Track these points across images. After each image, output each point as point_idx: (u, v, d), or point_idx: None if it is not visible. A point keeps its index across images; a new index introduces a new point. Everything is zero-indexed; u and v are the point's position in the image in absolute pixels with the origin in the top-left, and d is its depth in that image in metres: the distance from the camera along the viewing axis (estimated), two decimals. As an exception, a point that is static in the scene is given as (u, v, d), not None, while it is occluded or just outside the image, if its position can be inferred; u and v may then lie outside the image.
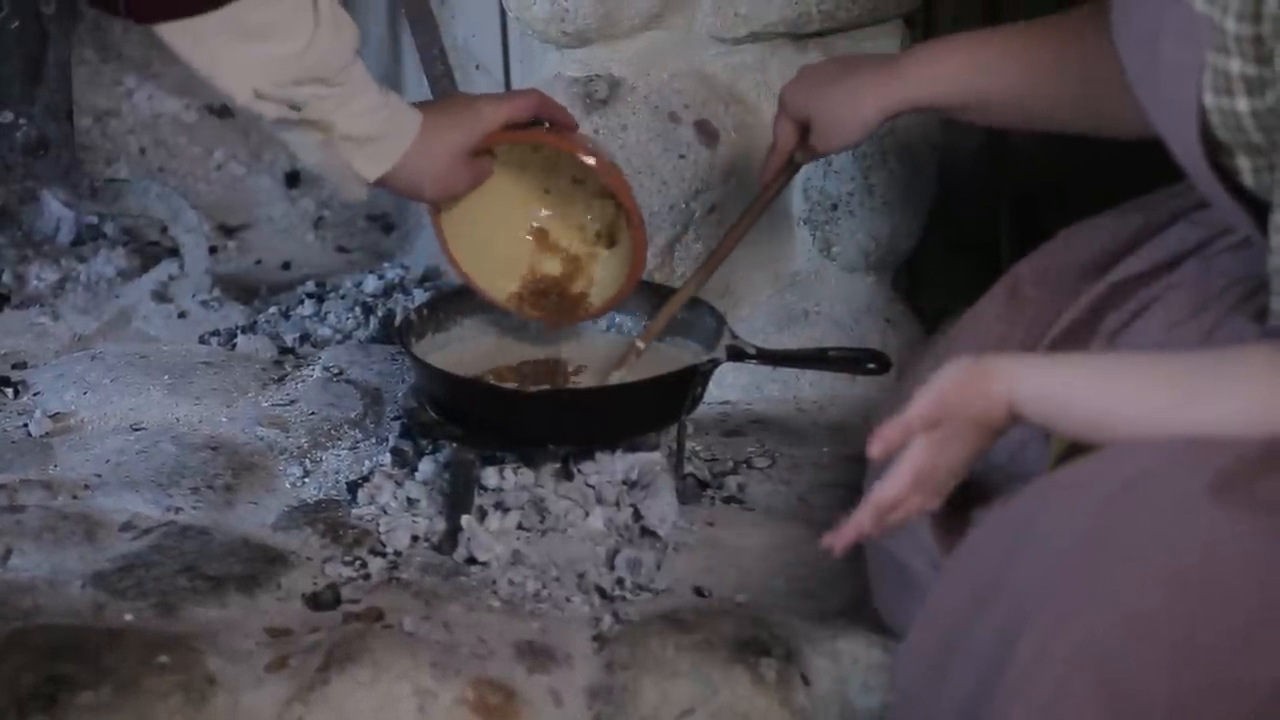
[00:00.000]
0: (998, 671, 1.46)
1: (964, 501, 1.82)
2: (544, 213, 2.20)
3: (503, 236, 2.18)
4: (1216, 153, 1.62)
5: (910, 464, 1.61)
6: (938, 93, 2.03)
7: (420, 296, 2.69)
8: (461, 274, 2.17)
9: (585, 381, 2.17)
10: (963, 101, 2.03)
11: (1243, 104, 1.56)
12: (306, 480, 2.21)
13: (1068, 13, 1.97)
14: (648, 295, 2.22)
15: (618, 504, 2.09)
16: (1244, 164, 1.60)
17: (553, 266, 2.20)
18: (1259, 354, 1.53)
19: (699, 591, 2.01)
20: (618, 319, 2.26)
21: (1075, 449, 1.69)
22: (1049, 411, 1.59)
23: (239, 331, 2.67)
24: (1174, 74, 1.60)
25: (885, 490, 1.62)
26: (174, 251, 2.87)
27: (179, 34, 1.81)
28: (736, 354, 2.14)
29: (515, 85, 2.58)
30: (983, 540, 1.59)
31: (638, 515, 2.08)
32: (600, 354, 2.20)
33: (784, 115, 2.12)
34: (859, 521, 1.62)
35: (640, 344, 2.16)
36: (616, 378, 2.14)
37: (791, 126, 2.12)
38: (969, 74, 2.01)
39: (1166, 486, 1.49)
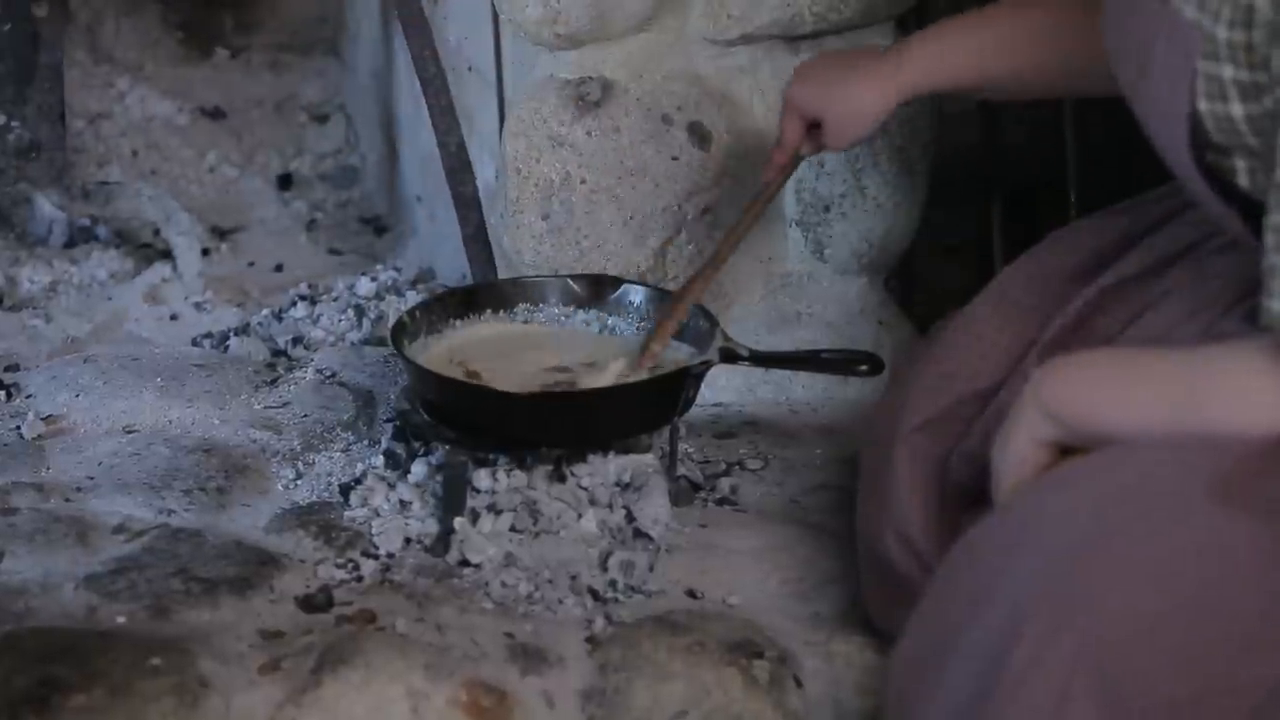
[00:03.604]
0: (995, 674, 1.46)
1: (957, 505, 1.83)
2: None
3: None
4: (1208, 154, 1.62)
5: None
6: (941, 78, 2.07)
7: (413, 299, 2.69)
8: None
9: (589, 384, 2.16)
10: (965, 83, 2.08)
11: (1237, 109, 1.56)
12: (299, 482, 2.21)
13: None
14: (658, 300, 2.22)
15: (610, 506, 2.09)
16: (1240, 165, 1.61)
17: None
18: (1252, 353, 1.53)
19: (692, 593, 2.01)
20: (610, 320, 2.26)
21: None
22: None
23: (231, 334, 2.67)
24: (1164, 79, 1.61)
25: None
26: (166, 254, 2.87)
27: None
28: (729, 356, 2.14)
29: (507, 88, 2.58)
30: (979, 542, 1.60)
31: (630, 517, 2.08)
32: (596, 357, 2.20)
33: (792, 114, 2.15)
34: None
35: (657, 347, 2.16)
36: (631, 376, 2.13)
37: (799, 124, 2.16)
38: (969, 57, 2.05)
39: (1165, 488, 1.49)
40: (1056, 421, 1.60)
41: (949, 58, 2.06)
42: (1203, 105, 1.58)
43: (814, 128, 2.16)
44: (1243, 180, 1.61)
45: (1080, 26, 1.92)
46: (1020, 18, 2.02)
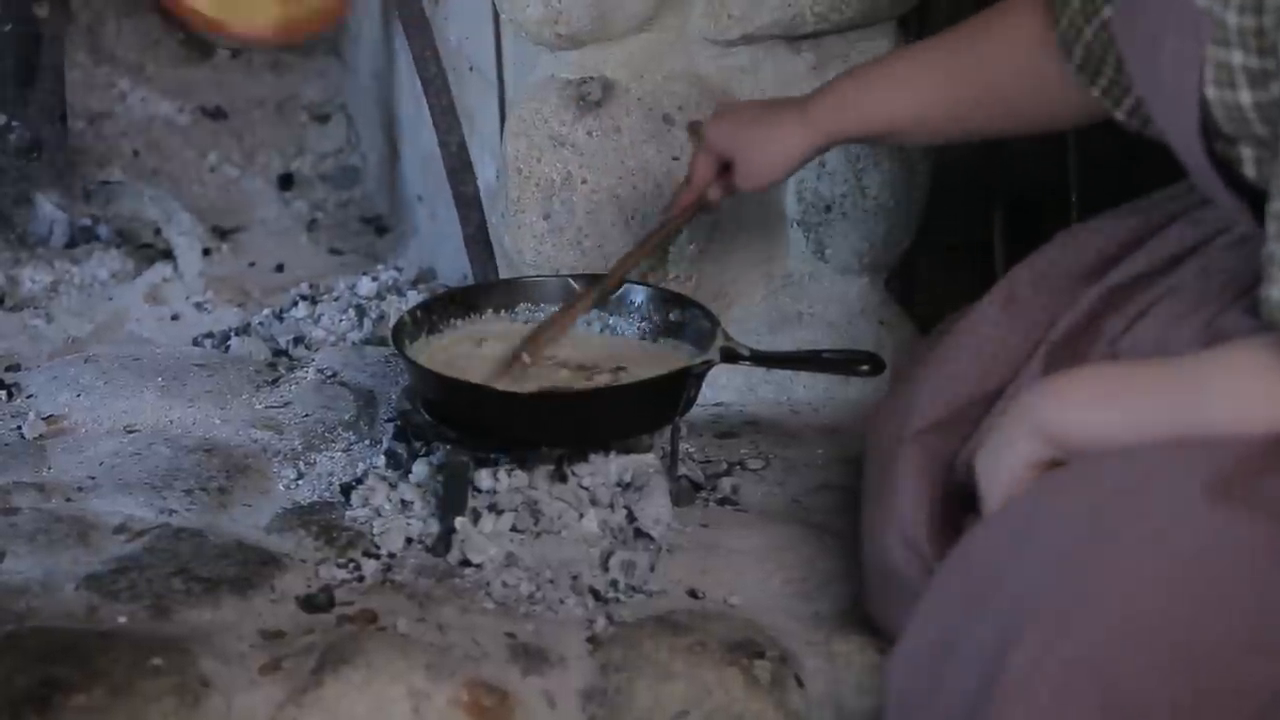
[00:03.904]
0: (995, 674, 1.46)
1: (961, 507, 1.83)
2: None
3: None
4: (1216, 144, 1.62)
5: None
6: (849, 126, 2.07)
7: (414, 298, 2.69)
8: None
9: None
10: (881, 130, 2.07)
11: (1246, 96, 1.56)
12: (300, 482, 2.21)
13: (973, 19, 1.99)
14: (659, 300, 2.23)
15: (611, 506, 2.09)
16: (1247, 154, 1.61)
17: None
18: (1252, 350, 1.53)
19: (693, 593, 2.01)
20: (611, 320, 2.26)
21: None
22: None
23: (232, 334, 2.67)
24: (1175, 68, 1.61)
25: None
26: (167, 254, 2.87)
27: None
28: (730, 356, 2.14)
29: (508, 87, 2.58)
30: (979, 542, 1.60)
31: (631, 517, 2.08)
32: (595, 356, 2.20)
33: (704, 152, 2.16)
34: None
35: (527, 358, 2.13)
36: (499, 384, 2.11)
37: (710, 162, 2.16)
38: (881, 104, 2.05)
39: (1165, 488, 1.49)
40: (1054, 444, 1.59)
41: (862, 107, 2.05)
42: (1211, 93, 1.58)
43: (726, 169, 2.16)
44: (1249, 170, 1.61)
45: (1013, 60, 1.92)
46: (935, 56, 2.01)
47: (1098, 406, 1.58)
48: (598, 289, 2.22)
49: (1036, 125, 2.01)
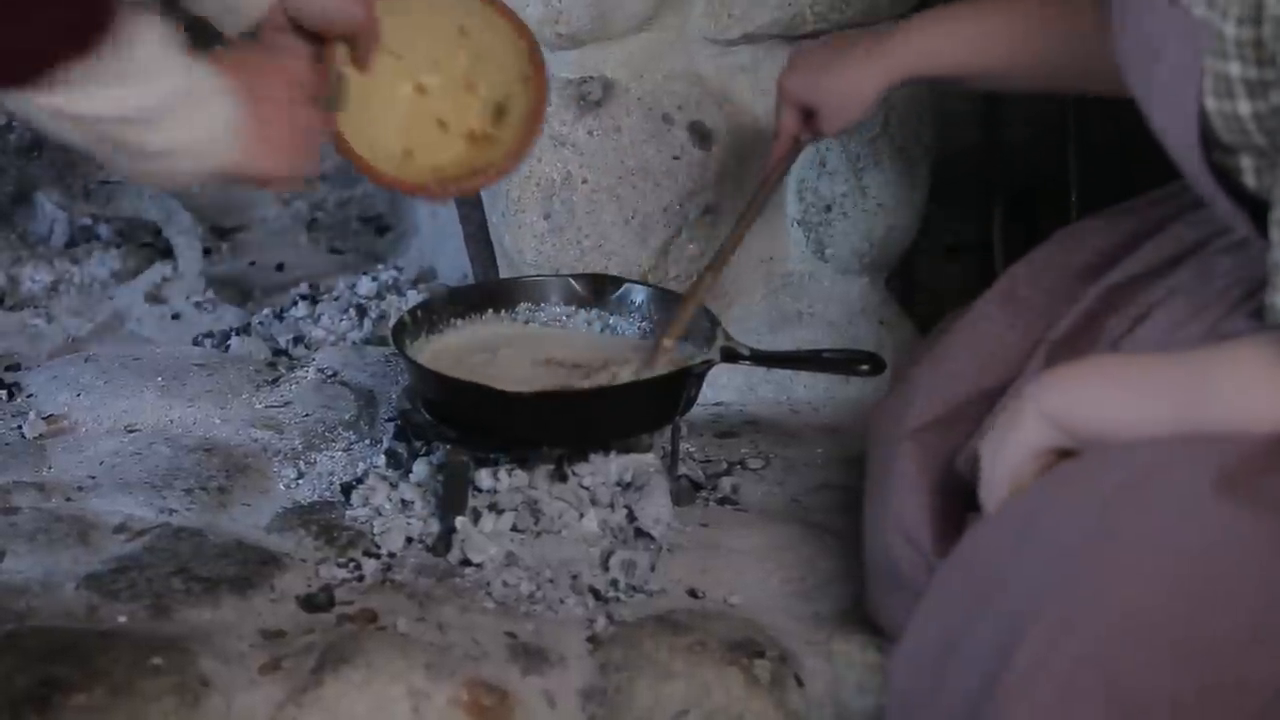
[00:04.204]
0: (1000, 671, 1.46)
1: (962, 505, 1.83)
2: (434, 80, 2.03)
3: (394, 117, 2.01)
4: (1214, 153, 1.62)
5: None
6: (927, 65, 2.08)
7: (414, 298, 2.69)
8: (354, 156, 1.95)
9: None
10: (955, 71, 2.08)
11: (1244, 107, 1.56)
12: (300, 482, 2.21)
13: None
14: (659, 300, 2.23)
15: (612, 505, 2.09)
16: (1246, 164, 1.61)
17: (454, 146, 2.04)
18: (1257, 350, 1.53)
19: (693, 593, 2.01)
20: (611, 320, 2.26)
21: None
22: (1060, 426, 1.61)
23: (233, 333, 2.67)
24: (1174, 78, 1.61)
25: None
26: (168, 253, 2.86)
27: None
28: (730, 355, 2.14)
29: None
30: (983, 539, 1.60)
31: (632, 517, 2.08)
32: (598, 355, 2.20)
33: (785, 102, 2.16)
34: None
35: (669, 342, 2.16)
36: (645, 374, 2.13)
37: (794, 112, 2.17)
38: (958, 46, 2.06)
39: (1170, 484, 1.49)
40: (1060, 429, 1.59)
41: (940, 45, 2.06)
42: (1210, 103, 1.58)
43: (809, 116, 2.17)
44: (1249, 180, 1.61)
45: (1078, 22, 1.93)
46: (1017, 9, 2.03)
47: (1106, 393, 1.59)
48: (719, 259, 2.22)
49: (1104, 87, 2.00)
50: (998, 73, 2.05)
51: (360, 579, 2.01)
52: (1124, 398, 1.58)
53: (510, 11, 2.02)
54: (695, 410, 2.20)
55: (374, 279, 2.83)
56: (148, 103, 1.63)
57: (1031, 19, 2.00)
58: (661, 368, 2.14)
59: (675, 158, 2.42)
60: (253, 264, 3.00)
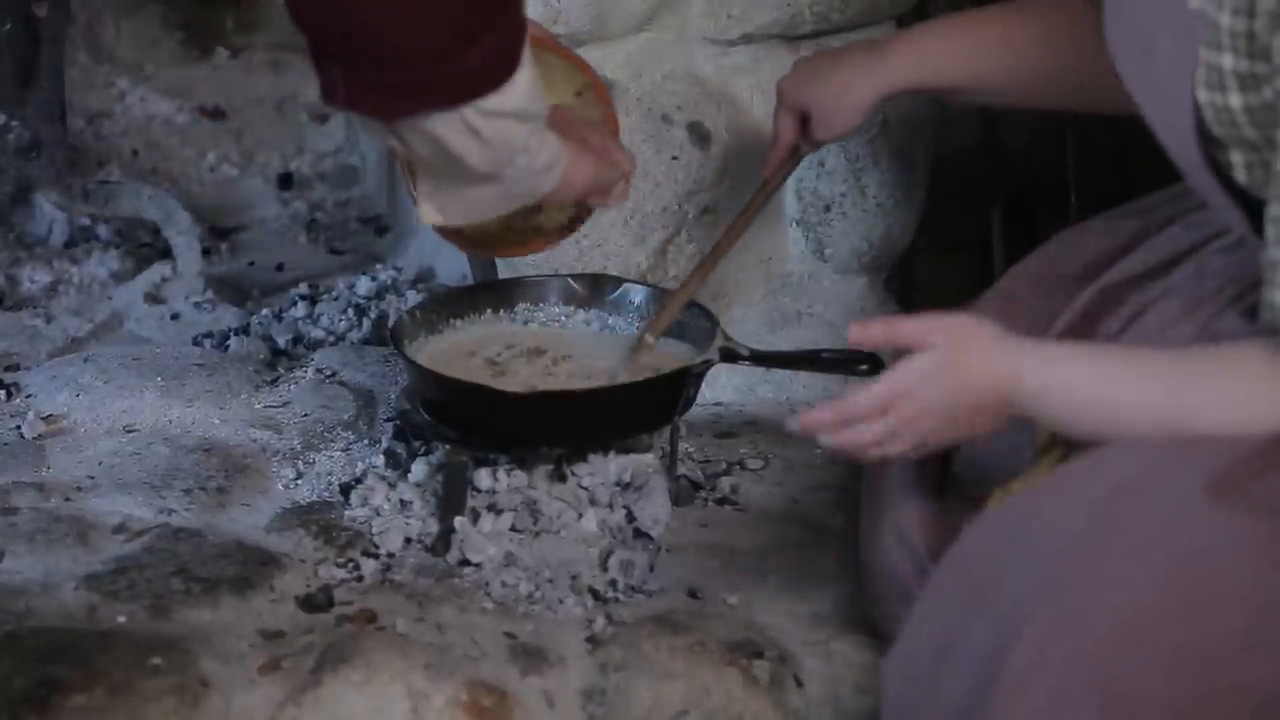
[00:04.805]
0: (994, 675, 1.46)
1: (958, 507, 1.83)
2: None
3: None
4: (1209, 148, 1.62)
5: (890, 388, 1.64)
6: (924, 76, 2.08)
7: (413, 298, 2.69)
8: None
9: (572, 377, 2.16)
10: (949, 84, 2.08)
11: (1236, 100, 1.56)
12: (299, 482, 2.21)
13: None
14: (658, 300, 2.22)
15: (611, 506, 2.09)
16: (1236, 159, 1.61)
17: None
18: (1252, 351, 1.53)
19: (692, 593, 2.01)
20: (610, 319, 2.26)
21: (1064, 453, 1.70)
22: (1045, 408, 1.60)
23: (232, 333, 2.66)
24: (1169, 70, 1.61)
25: (858, 403, 1.65)
26: (167, 253, 2.86)
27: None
28: (729, 355, 2.14)
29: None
30: (976, 542, 1.60)
31: (631, 517, 2.09)
32: (592, 353, 2.20)
33: (783, 108, 2.16)
34: (820, 417, 1.67)
35: (650, 338, 2.17)
36: (626, 374, 2.14)
37: (791, 118, 2.17)
38: (955, 57, 2.06)
39: (1163, 487, 1.49)
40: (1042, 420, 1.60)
41: (937, 55, 2.07)
42: (1202, 95, 1.58)
43: (806, 122, 2.17)
44: (1240, 176, 1.61)
45: (1078, 38, 1.92)
46: (1016, 22, 2.02)
47: (1086, 386, 1.60)
48: (709, 261, 2.22)
49: (1100, 105, 2.00)
50: (995, 86, 2.05)
51: (359, 579, 2.01)
52: (1119, 385, 1.59)
53: (601, 84, 2.07)
54: (694, 410, 2.20)
55: (373, 279, 2.82)
56: (540, 123, 1.76)
57: (1031, 33, 2.00)
58: (642, 365, 2.14)
59: (674, 158, 2.42)
60: (252, 264, 3.00)
